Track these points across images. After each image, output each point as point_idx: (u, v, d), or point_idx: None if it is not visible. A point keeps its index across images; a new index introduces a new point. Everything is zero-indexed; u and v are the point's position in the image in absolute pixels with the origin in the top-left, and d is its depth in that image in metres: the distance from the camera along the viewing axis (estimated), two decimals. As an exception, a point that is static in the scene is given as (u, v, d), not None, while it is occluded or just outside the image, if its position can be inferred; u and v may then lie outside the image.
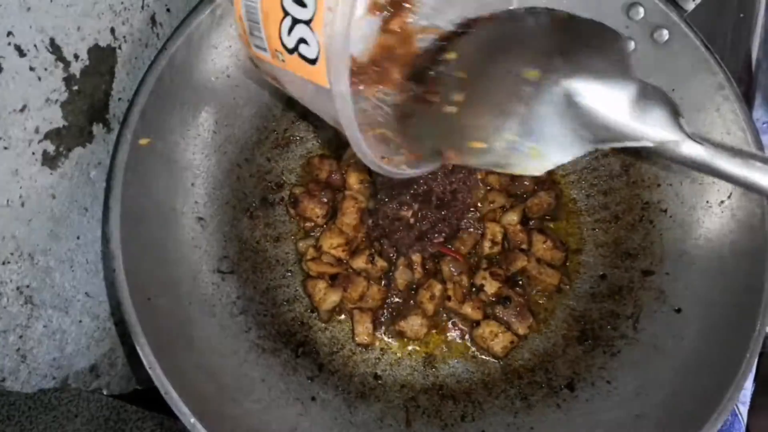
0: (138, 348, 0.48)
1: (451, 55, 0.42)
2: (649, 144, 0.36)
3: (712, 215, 0.58)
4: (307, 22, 0.36)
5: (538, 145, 0.38)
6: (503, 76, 0.39)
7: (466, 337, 0.62)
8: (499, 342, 0.60)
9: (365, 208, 0.63)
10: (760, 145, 0.56)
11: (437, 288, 0.61)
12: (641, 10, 0.59)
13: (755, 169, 0.34)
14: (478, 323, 0.61)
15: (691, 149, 0.35)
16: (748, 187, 0.35)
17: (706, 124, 0.58)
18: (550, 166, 0.38)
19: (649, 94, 0.36)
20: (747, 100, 0.80)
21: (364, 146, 0.38)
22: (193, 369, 0.51)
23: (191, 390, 0.48)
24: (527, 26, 0.40)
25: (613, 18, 0.60)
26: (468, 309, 0.61)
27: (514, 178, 0.66)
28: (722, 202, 0.57)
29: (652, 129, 0.35)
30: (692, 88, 0.58)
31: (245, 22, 0.42)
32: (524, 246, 0.62)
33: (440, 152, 0.41)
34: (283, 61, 0.40)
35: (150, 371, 0.47)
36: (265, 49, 0.41)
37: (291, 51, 0.38)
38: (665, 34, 0.58)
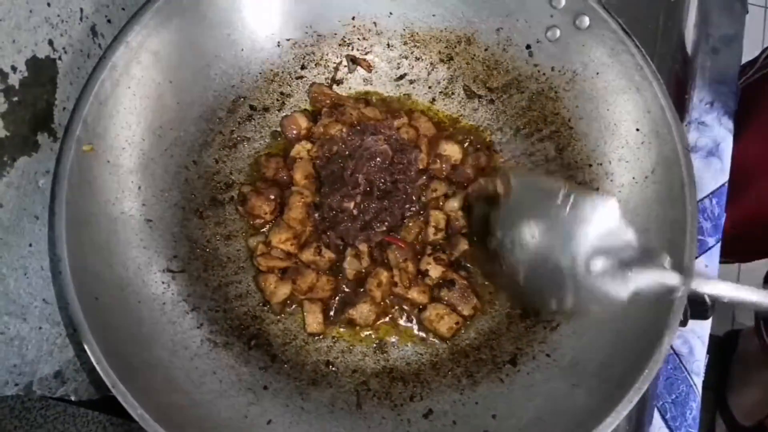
0: (85, 346, 0.50)
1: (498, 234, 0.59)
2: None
3: (639, 190, 0.60)
4: None
5: (593, 303, 0.53)
6: (547, 267, 0.54)
7: (415, 321, 0.64)
8: (445, 323, 0.62)
9: (311, 202, 0.65)
10: (678, 122, 0.58)
11: (384, 275, 0.63)
12: (562, -2, 0.61)
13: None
14: (424, 307, 0.63)
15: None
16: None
17: (628, 103, 0.61)
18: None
19: (648, 254, 0.50)
20: (682, 80, 0.84)
21: None
22: (141, 364, 0.53)
23: (140, 384, 0.50)
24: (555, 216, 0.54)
25: (537, 7, 0.63)
26: (414, 294, 0.63)
27: (456, 167, 0.68)
28: (646, 177, 0.60)
29: (662, 277, 0.49)
30: (614, 71, 0.61)
31: None
32: (465, 231, 0.65)
33: None
34: None
35: (97, 366, 0.49)
36: None
37: None
38: (586, 20, 0.61)
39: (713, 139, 0.86)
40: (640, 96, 0.60)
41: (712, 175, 0.85)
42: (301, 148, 0.67)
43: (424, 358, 0.63)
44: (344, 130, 0.66)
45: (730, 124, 0.87)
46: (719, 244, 0.83)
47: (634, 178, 0.61)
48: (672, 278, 0.48)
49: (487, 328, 0.64)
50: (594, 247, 0.50)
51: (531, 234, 0.55)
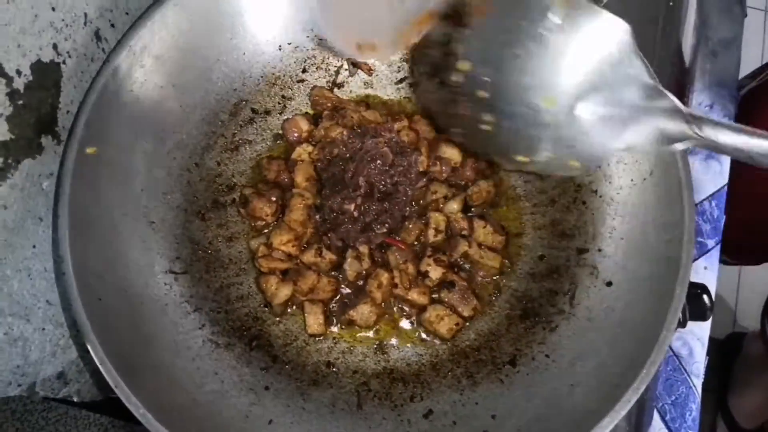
0: (89, 346, 0.50)
1: (465, 66, 0.46)
2: (666, 140, 0.39)
3: (637, 192, 0.61)
4: None
5: (573, 159, 0.44)
6: (524, 108, 0.43)
7: (415, 322, 0.65)
8: (445, 324, 0.63)
9: (312, 204, 0.66)
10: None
11: (384, 276, 0.63)
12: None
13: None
14: (424, 308, 0.64)
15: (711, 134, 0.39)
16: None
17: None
18: (592, 170, 0.47)
19: (655, 93, 0.39)
20: (680, 84, 0.84)
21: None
22: (144, 364, 0.53)
23: (142, 384, 0.51)
24: (530, 46, 0.42)
25: (535, 11, 0.63)
26: (414, 295, 0.64)
27: (456, 170, 0.69)
28: (644, 179, 0.60)
29: (665, 123, 0.39)
30: (612, 74, 0.62)
31: None
32: (466, 232, 0.65)
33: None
34: None
35: (100, 366, 0.49)
36: None
37: None
38: (584, 24, 0.62)
39: (712, 141, 0.87)
40: (638, 98, 0.60)
41: (712, 177, 0.86)
42: (302, 151, 0.68)
43: (424, 359, 0.63)
44: (345, 133, 0.66)
45: (729, 127, 0.87)
46: (719, 246, 0.83)
47: (632, 180, 0.61)
48: (676, 126, 0.39)
49: (486, 329, 0.64)
50: (587, 83, 0.39)
51: (508, 65, 0.42)
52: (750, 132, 0.38)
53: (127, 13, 0.66)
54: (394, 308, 0.65)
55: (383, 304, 0.64)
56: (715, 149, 0.40)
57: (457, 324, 0.63)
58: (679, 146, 0.40)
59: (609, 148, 0.42)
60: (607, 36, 0.40)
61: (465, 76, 0.46)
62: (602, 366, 0.55)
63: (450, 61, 0.48)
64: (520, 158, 0.46)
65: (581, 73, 0.40)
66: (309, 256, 0.64)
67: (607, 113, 0.39)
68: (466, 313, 0.63)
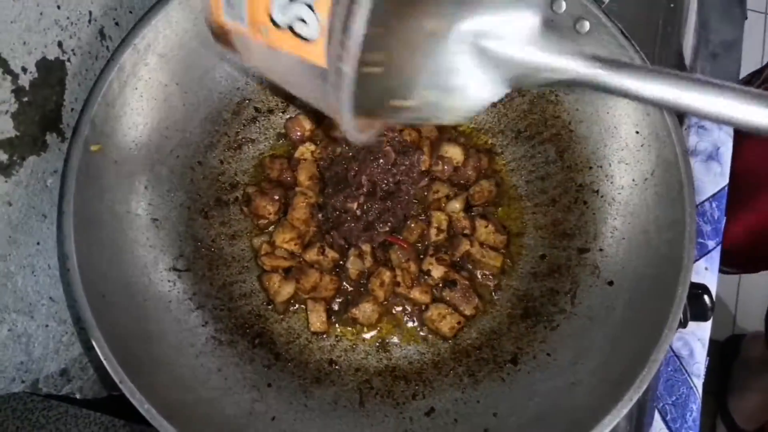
0: (93, 342, 0.50)
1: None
2: (562, 76, 0.35)
3: (638, 192, 0.61)
4: (309, 5, 0.34)
5: (454, 98, 0.38)
6: (412, 31, 0.37)
7: (417, 320, 0.65)
8: (447, 323, 0.63)
9: (315, 203, 0.66)
10: (676, 124, 0.59)
11: (386, 275, 0.64)
12: (563, 3, 0.62)
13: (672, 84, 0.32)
14: (426, 307, 0.64)
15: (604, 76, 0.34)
16: (662, 104, 0.34)
17: (627, 106, 0.62)
18: (471, 114, 0.38)
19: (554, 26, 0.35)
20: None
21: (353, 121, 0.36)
22: (148, 361, 0.54)
23: (146, 380, 0.51)
24: None
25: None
26: (417, 293, 0.64)
27: (457, 169, 0.69)
28: (646, 179, 0.61)
29: (563, 59, 0.34)
30: (614, 74, 0.62)
31: None
32: (467, 231, 0.66)
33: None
34: (265, 34, 0.37)
35: (105, 363, 0.50)
36: (242, 20, 0.38)
37: (279, 26, 0.36)
38: (587, 24, 0.62)
39: (713, 142, 0.87)
40: (640, 99, 0.61)
41: (712, 178, 0.86)
42: (305, 150, 0.68)
43: (426, 357, 0.64)
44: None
45: (730, 129, 0.88)
46: (719, 247, 0.83)
47: (633, 180, 0.62)
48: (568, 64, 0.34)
49: (488, 327, 0.64)
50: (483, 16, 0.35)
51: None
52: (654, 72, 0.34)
53: (131, 12, 0.66)
54: (397, 307, 0.65)
55: (385, 302, 0.64)
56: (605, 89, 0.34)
57: (458, 323, 0.63)
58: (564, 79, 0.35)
59: (497, 85, 0.36)
60: None
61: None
62: (604, 365, 0.55)
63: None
64: (395, 103, 0.38)
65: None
66: (311, 255, 0.64)
67: (497, 46, 0.35)
68: (467, 312, 0.64)
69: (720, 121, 0.34)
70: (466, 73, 0.37)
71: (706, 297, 0.68)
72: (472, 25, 0.36)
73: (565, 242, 0.65)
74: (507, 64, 0.36)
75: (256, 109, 0.70)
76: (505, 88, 0.37)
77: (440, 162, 0.68)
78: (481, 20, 0.36)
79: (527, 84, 0.37)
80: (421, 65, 0.38)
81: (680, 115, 0.67)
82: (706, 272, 0.82)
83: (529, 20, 0.35)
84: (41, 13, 0.53)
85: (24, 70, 0.52)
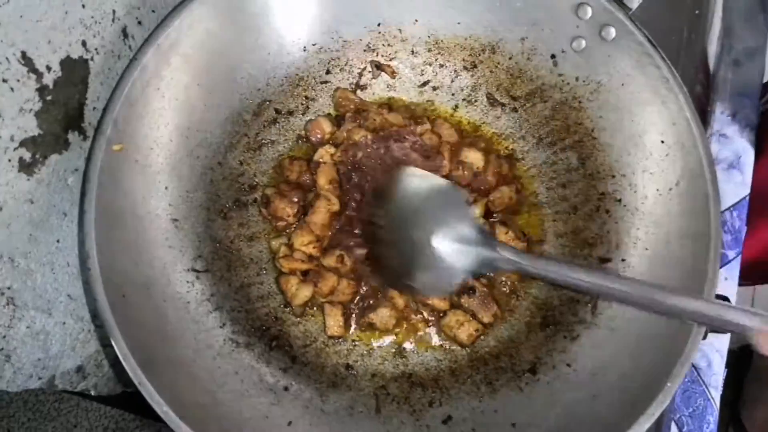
0: (113, 342, 0.50)
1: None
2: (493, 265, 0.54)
3: (662, 202, 0.60)
4: None
5: (440, 283, 0.57)
6: (401, 241, 0.58)
7: (434, 327, 0.65)
8: (465, 330, 0.62)
9: (337, 211, 0.66)
10: (703, 135, 0.58)
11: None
12: (589, 9, 0.62)
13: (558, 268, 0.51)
14: (445, 313, 0.64)
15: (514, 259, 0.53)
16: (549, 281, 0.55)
17: (652, 115, 0.61)
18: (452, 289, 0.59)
19: (484, 232, 0.56)
20: (704, 93, 0.84)
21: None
22: (166, 362, 0.53)
23: (164, 381, 0.51)
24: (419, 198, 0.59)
25: (563, 18, 0.63)
26: (435, 300, 0.63)
27: (477, 174, 0.68)
28: (670, 189, 0.60)
29: (492, 254, 0.53)
30: (639, 82, 0.61)
31: None
32: (486, 238, 0.65)
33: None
34: None
35: (124, 363, 0.50)
36: None
37: None
38: (612, 31, 0.61)
39: (734, 151, 0.86)
40: (666, 108, 0.60)
41: (733, 188, 0.85)
42: (325, 152, 0.68)
43: (443, 365, 0.63)
44: (369, 136, 0.66)
45: (752, 137, 0.87)
46: (740, 257, 0.82)
47: (658, 189, 0.61)
48: (491, 254, 0.53)
49: (506, 336, 0.64)
50: (438, 221, 0.55)
51: (395, 219, 0.59)
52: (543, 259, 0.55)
53: (153, 11, 0.66)
54: (415, 314, 0.65)
55: (405, 308, 0.64)
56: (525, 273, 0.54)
57: (477, 330, 0.63)
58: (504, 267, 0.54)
59: (459, 273, 0.54)
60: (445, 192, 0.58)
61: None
62: (625, 378, 0.55)
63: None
64: (406, 282, 0.58)
65: (432, 215, 0.56)
66: (330, 261, 0.64)
67: (454, 246, 0.54)
68: (486, 320, 0.63)
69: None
70: (442, 264, 0.55)
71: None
72: (435, 238, 0.55)
73: (586, 251, 0.64)
74: (460, 261, 0.55)
75: (277, 111, 0.69)
76: (464, 275, 0.55)
77: (461, 167, 0.68)
78: (441, 235, 0.55)
79: (478, 271, 0.56)
80: (415, 261, 0.57)
81: (703, 124, 0.66)
82: (726, 282, 0.82)
83: (469, 231, 0.55)
84: (66, 12, 0.53)
85: (48, 68, 0.52)
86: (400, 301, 0.63)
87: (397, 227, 0.59)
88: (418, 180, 0.60)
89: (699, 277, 0.54)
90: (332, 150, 0.68)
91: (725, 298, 0.68)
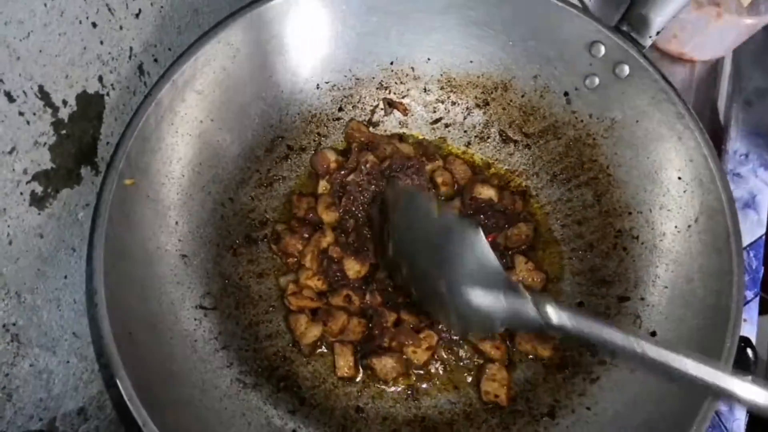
0: (117, 380, 0.49)
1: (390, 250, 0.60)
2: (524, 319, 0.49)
3: (681, 239, 0.59)
4: None
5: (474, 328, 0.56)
6: (430, 290, 0.56)
7: (447, 368, 0.63)
8: (498, 385, 0.60)
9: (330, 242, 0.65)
10: (721, 170, 0.58)
11: (433, 339, 0.61)
12: (602, 47, 0.62)
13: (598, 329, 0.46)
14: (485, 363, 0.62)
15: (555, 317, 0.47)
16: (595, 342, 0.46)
17: (669, 151, 0.60)
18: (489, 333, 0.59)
19: (513, 285, 0.50)
20: (716, 132, 0.83)
21: None
22: (172, 403, 0.52)
23: (169, 422, 0.49)
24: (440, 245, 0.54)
25: (576, 55, 0.63)
26: (487, 347, 0.62)
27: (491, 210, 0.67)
28: (689, 226, 0.59)
29: (522, 308, 0.49)
30: (654, 119, 0.61)
31: None
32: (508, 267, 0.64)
33: None
34: None
35: (128, 402, 0.48)
36: None
37: None
38: (626, 69, 0.62)
39: (749, 190, 0.85)
40: (682, 144, 0.59)
41: (749, 227, 0.84)
42: (326, 184, 0.68)
43: (457, 408, 0.61)
44: (364, 173, 0.66)
45: (766, 176, 0.86)
46: (758, 298, 0.80)
47: (676, 227, 0.60)
48: (531, 309, 0.48)
49: (522, 378, 0.62)
50: (466, 272, 0.52)
51: (412, 250, 0.56)
52: (588, 318, 0.47)
53: (169, 49, 0.67)
54: (432, 368, 0.63)
55: (435, 346, 0.62)
56: (562, 331, 0.48)
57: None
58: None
59: (495, 323, 0.51)
60: (468, 236, 0.52)
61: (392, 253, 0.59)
62: (648, 423, 0.52)
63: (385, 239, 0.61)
64: (442, 322, 0.59)
65: (461, 265, 0.52)
66: (337, 301, 0.63)
67: (487, 293, 0.51)
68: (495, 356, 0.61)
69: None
70: (476, 313, 0.52)
71: (749, 350, 0.65)
72: (466, 290, 0.52)
73: (603, 290, 0.62)
74: (491, 315, 0.51)
75: (289, 147, 0.69)
76: (502, 325, 0.51)
77: (472, 203, 0.67)
78: (470, 289, 0.52)
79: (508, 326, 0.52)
80: (446, 308, 0.55)
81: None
82: (745, 324, 0.79)
83: (497, 288, 0.50)
84: (85, 48, 0.53)
85: (64, 103, 0.52)
86: (424, 358, 0.61)
87: (412, 259, 0.56)
88: (426, 205, 0.56)
89: (723, 315, 0.52)
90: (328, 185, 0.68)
91: (747, 341, 0.66)
